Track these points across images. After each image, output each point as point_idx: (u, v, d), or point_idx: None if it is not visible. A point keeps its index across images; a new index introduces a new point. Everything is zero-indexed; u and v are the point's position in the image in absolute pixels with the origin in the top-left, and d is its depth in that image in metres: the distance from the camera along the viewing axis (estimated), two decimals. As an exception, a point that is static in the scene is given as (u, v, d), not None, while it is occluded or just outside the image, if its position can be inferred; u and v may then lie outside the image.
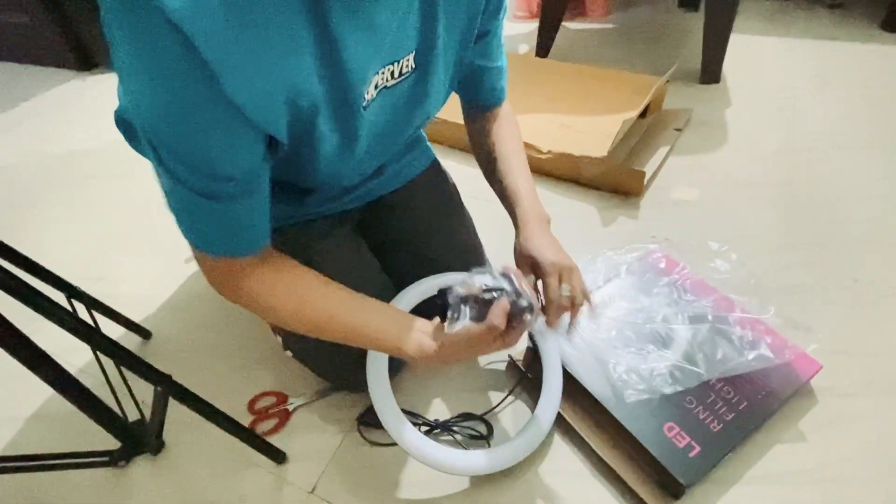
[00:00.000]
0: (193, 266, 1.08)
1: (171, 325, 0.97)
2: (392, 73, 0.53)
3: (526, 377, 0.79)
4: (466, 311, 0.54)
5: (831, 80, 1.45)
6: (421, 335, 0.56)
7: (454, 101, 0.72)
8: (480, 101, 0.73)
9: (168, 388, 0.63)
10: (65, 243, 1.20)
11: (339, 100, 0.47)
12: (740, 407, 0.70)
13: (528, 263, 0.63)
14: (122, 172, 1.41)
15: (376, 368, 0.70)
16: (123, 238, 1.20)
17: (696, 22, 1.78)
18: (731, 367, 0.72)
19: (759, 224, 1.03)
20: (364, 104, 0.50)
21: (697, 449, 0.65)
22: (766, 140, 1.26)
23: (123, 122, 0.72)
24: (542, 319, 0.61)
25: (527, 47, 1.77)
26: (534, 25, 1.68)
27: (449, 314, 0.55)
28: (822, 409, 0.73)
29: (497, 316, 0.53)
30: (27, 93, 1.93)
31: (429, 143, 0.86)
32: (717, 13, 1.41)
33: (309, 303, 0.54)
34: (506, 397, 0.78)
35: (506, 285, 0.55)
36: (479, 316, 0.55)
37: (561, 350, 0.77)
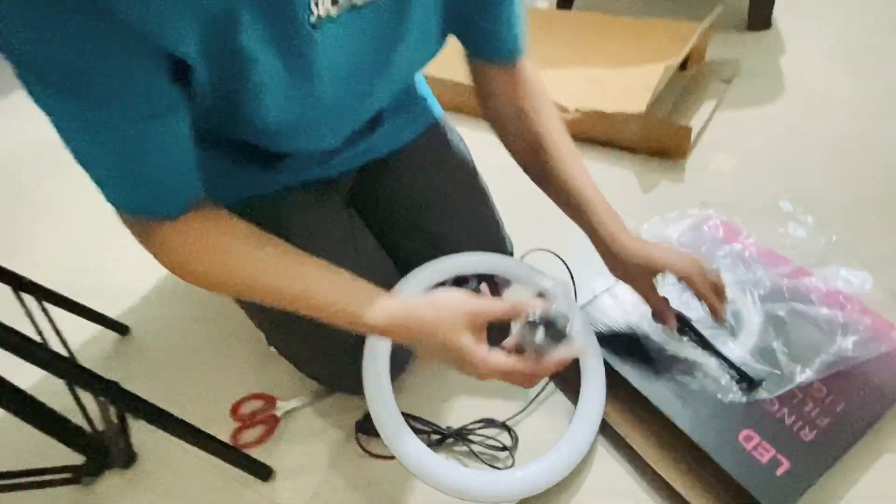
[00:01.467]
0: (178, 252, 0.97)
1: (153, 319, 0.86)
2: None
3: (559, 374, 0.65)
4: (540, 334, 0.46)
5: (902, 21, 1.25)
6: (389, 303, 0.46)
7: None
8: (487, 51, 0.56)
9: (114, 397, 0.51)
10: (53, 234, 1.10)
11: (272, 11, 0.34)
12: (837, 409, 0.54)
13: (644, 273, 0.55)
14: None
15: (374, 364, 0.57)
16: (112, 227, 1.09)
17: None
18: (824, 360, 0.57)
19: (836, 183, 0.86)
20: (312, 20, 0.37)
21: (786, 465, 0.51)
22: (831, 90, 1.07)
23: None
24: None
25: (546, 3, 1.60)
26: (554, -22, 1.51)
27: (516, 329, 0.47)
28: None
29: (553, 363, 0.46)
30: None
31: (434, 100, 0.72)
32: (767, -53, 1.22)
33: (237, 270, 0.45)
34: (535, 398, 0.64)
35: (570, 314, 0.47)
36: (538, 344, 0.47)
37: (600, 339, 0.63)
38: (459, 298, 0.46)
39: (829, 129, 0.97)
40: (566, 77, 1.11)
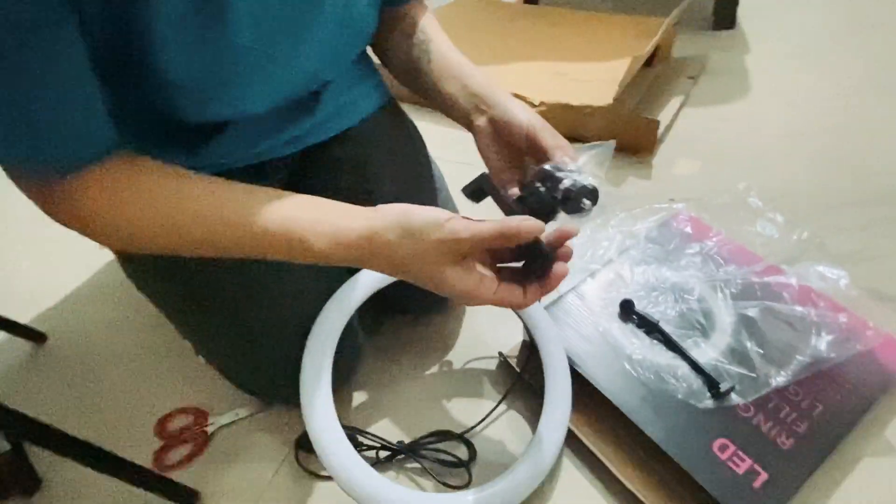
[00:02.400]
0: (106, 255, 0.87)
1: (72, 325, 0.77)
2: None
3: (521, 380, 0.60)
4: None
5: (865, 20, 1.26)
6: (343, 223, 0.38)
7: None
8: None
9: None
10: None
11: None
12: (814, 413, 0.51)
13: (525, 141, 0.47)
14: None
15: (313, 371, 0.51)
16: (29, 224, 0.98)
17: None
18: (799, 361, 0.53)
19: (804, 180, 0.84)
20: None
21: (764, 475, 0.47)
22: (796, 87, 1.07)
23: None
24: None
25: None
26: (520, -26, 1.48)
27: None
28: (917, 411, 0.55)
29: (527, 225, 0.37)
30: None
31: (383, 81, 0.66)
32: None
33: (164, 210, 0.38)
34: (493, 410, 0.58)
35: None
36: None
37: (566, 342, 0.58)
38: (436, 221, 0.37)
39: (794, 125, 0.96)
40: (533, 71, 1.07)
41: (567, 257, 0.40)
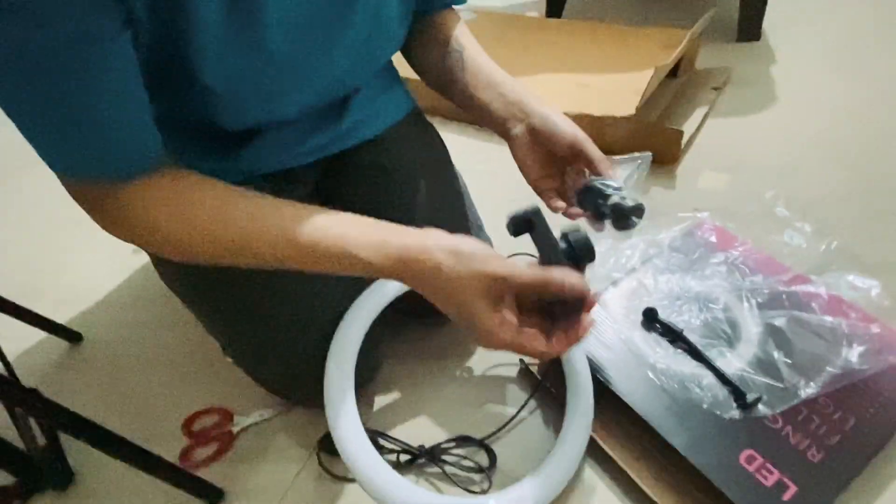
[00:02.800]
0: (141, 258, 0.91)
1: (107, 326, 0.80)
2: None
3: (543, 388, 0.60)
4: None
5: (888, 32, 1.24)
6: (394, 239, 0.39)
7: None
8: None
9: (35, 408, 0.45)
10: (6, 234, 1.04)
11: None
12: (846, 427, 0.49)
13: (568, 150, 0.48)
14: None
15: (337, 374, 0.52)
16: (64, 229, 1.03)
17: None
18: (829, 372, 0.52)
19: (834, 190, 0.82)
20: None
21: (793, 489, 0.45)
22: (824, 97, 1.05)
23: None
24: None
25: (535, 13, 1.58)
26: (543, -12, 1.50)
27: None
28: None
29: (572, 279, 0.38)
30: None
31: (408, 90, 0.68)
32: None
33: (209, 222, 0.39)
34: (514, 416, 0.58)
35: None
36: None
37: (588, 350, 0.58)
38: (485, 255, 0.38)
39: (821, 135, 0.95)
40: (556, 83, 1.08)
41: (592, 306, 0.41)
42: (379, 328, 0.59)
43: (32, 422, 0.57)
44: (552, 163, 0.50)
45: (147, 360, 0.73)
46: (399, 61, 0.63)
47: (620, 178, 0.47)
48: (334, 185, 0.61)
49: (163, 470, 0.51)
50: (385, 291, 0.57)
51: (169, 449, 0.61)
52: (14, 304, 0.70)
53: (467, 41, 0.56)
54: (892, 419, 0.50)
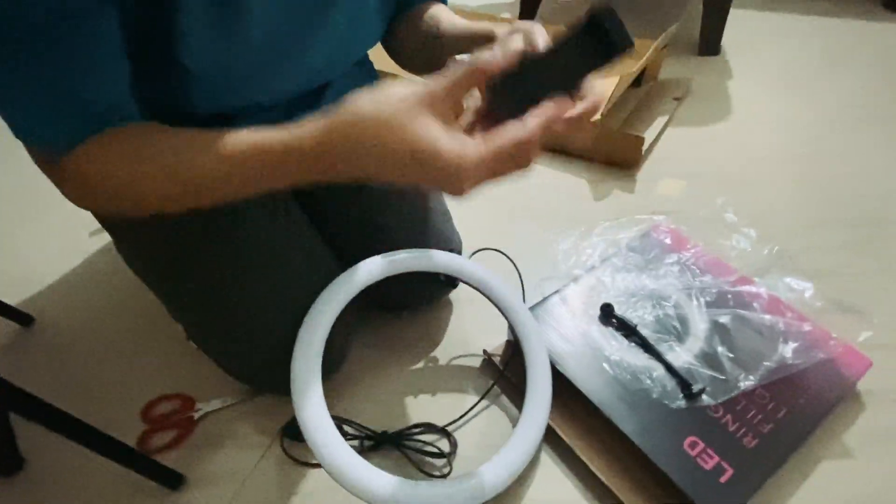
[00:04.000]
0: (97, 241, 0.88)
1: (61, 308, 0.77)
2: None
3: (504, 378, 0.62)
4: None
5: (838, 56, 1.33)
6: (314, 120, 0.35)
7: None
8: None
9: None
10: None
11: None
12: (779, 415, 0.54)
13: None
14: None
15: (304, 360, 0.52)
16: (23, 207, 0.98)
17: (691, -4, 1.65)
18: (766, 366, 0.57)
19: (779, 200, 0.88)
20: None
21: (730, 472, 0.49)
22: (775, 113, 1.12)
23: None
24: None
25: (509, 14, 1.61)
26: (517, -7, 1.53)
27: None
28: (873, 417, 0.58)
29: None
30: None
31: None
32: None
33: (155, 166, 0.37)
34: (476, 404, 0.60)
35: None
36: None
37: (548, 342, 0.60)
38: (403, 86, 0.33)
39: (770, 148, 1.01)
40: (525, 84, 1.11)
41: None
42: (347, 317, 0.60)
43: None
44: None
45: (104, 346, 0.72)
46: (379, 58, 0.64)
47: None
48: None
49: (119, 454, 0.51)
50: (354, 280, 0.58)
51: (126, 435, 0.59)
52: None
53: (442, 11, 0.56)
54: (818, 409, 0.55)
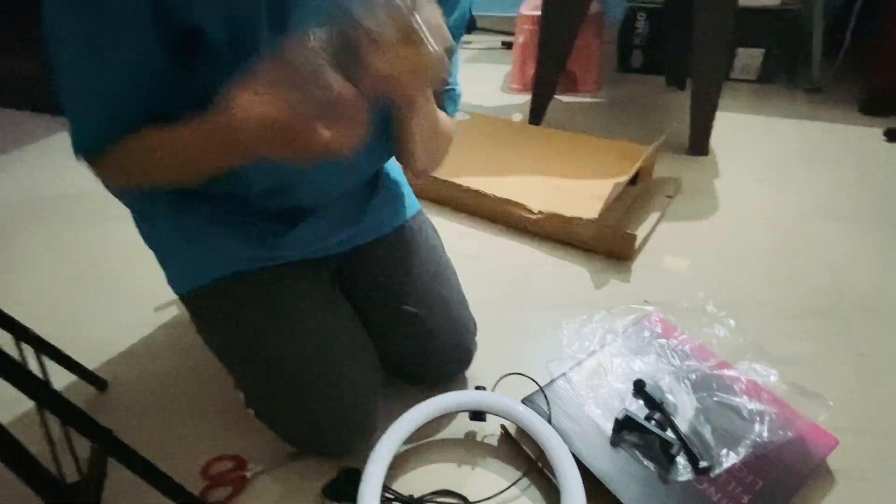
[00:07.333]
0: (163, 315, 1.01)
1: (131, 375, 0.89)
2: None
3: (531, 464, 0.71)
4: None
5: (816, 157, 1.49)
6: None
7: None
8: None
9: (107, 444, 0.55)
10: (35, 285, 1.14)
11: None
12: (756, 488, 0.62)
13: None
14: (106, 217, 1.37)
15: (389, 438, 0.65)
16: (96, 282, 1.13)
17: (683, 98, 1.86)
18: (745, 444, 0.66)
19: (755, 291, 0.99)
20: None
21: (710, 537, 0.57)
22: (757, 210, 1.26)
23: None
24: None
25: (520, 116, 1.82)
26: (527, 97, 1.74)
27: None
28: (844, 490, 0.66)
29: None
30: (25, 138, 1.92)
31: (412, 194, 0.84)
32: (702, 92, 1.46)
33: (141, 157, 0.51)
34: (508, 487, 0.68)
35: None
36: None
37: (555, 421, 0.70)
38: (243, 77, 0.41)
39: (750, 244, 1.13)
40: (533, 183, 1.27)
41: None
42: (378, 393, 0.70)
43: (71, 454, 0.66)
44: None
45: (166, 409, 0.82)
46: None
47: None
48: (349, 269, 0.75)
49: (189, 500, 0.60)
50: (420, 413, 0.70)
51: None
52: (54, 346, 0.79)
53: None
54: (791, 483, 0.63)
